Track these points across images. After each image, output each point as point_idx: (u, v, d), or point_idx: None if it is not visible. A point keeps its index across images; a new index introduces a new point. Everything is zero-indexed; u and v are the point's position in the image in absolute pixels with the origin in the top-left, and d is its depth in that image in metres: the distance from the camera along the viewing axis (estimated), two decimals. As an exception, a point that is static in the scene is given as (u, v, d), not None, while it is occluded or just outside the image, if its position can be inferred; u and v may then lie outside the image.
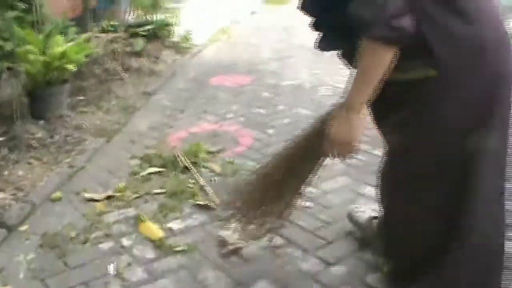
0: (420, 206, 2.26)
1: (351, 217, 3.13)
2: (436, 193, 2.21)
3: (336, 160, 2.39)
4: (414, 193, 2.27)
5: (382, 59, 1.96)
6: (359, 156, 3.97)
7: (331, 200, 3.56)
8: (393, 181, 2.42)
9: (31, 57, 5.02)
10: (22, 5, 5.13)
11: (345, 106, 2.12)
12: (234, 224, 2.96)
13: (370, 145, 4.12)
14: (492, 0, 2.12)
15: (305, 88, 6.21)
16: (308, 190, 3.16)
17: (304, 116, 5.11)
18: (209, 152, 4.35)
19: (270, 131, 4.92)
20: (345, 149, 2.21)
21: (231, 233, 3.06)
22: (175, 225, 3.29)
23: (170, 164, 4.10)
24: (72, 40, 5.56)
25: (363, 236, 3.02)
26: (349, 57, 2.18)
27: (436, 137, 2.12)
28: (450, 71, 2.00)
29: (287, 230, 3.11)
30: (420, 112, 2.11)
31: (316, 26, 2.27)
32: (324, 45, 2.29)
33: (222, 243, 3.06)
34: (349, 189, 3.74)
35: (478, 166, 2.11)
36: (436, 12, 1.96)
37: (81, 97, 5.81)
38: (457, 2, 1.99)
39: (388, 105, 2.18)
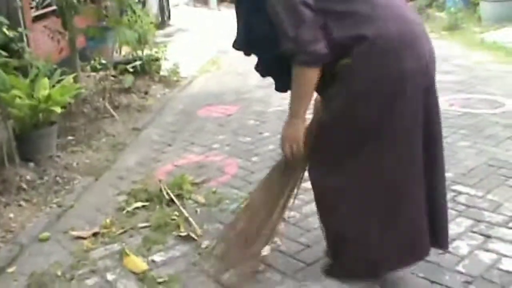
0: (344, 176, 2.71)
1: None
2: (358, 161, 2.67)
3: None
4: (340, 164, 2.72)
5: (310, 77, 2.57)
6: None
7: (311, 223, 3.64)
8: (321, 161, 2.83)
9: (18, 101, 5.13)
10: (3, 53, 5.23)
11: (291, 115, 2.72)
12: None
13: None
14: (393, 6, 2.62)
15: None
16: (291, 214, 3.29)
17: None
18: (194, 184, 4.45)
19: (254, 158, 5.03)
20: (293, 147, 2.76)
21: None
22: (158, 257, 3.39)
23: (155, 197, 4.20)
24: (58, 81, 5.68)
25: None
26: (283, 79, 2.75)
27: (352, 106, 2.60)
28: (360, 62, 2.52)
29: (268, 255, 3.19)
30: (341, 87, 2.61)
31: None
32: (262, 71, 2.99)
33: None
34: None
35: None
36: (343, 25, 2.52)
37: (71, 137, 5.90)
38: (359, 17, 2.53)
39: (322, 87, 2.67)
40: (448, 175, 4.26)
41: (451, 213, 3.72)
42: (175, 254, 3.40)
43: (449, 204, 3.78)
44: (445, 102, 6.66)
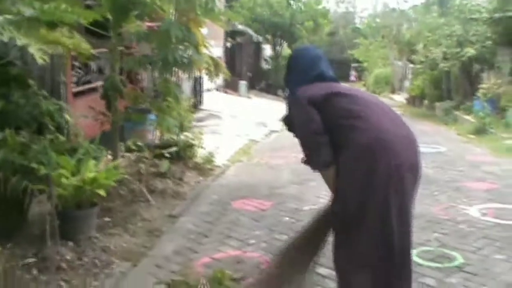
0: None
1: None
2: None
3: None
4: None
5: (326, 174, 3.41)
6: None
7: None
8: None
9: (64, 180, 5.28)
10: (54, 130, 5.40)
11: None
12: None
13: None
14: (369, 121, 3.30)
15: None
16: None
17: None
18: (233, 279, 4.48)
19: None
20: None
21: None
22: None
23: (195, 291, 4.23)
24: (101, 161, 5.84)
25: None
26: None
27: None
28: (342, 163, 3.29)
29: None
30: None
31: None
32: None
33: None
34: None
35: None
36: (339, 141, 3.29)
37: (108, 219, 6.00)
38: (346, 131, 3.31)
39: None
40: (487, 291, 4.33)
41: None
42: None
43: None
44: (477, 211, 6.72)
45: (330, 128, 3.32)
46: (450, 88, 19.83)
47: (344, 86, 3.76)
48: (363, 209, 3.21)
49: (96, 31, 7.14)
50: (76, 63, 9.10)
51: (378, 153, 3.20)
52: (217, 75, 8.47)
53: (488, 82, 16.16)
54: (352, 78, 45.17)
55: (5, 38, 4.17)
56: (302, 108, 3.40)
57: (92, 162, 5.66)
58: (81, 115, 7.52)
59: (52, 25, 4.53)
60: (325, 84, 3.58)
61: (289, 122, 3.64)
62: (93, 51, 5.16)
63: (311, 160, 3.44)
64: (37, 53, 4.12)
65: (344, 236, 3.35)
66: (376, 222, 3.22)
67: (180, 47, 6.68)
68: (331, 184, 3.41)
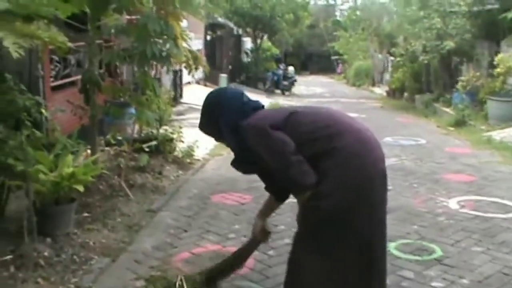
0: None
1: None
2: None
3: None
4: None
5: (307, 194, 3.18)
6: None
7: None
8: None
9: (42, 176, 5.23)
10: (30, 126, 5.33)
11: None
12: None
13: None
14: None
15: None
16: None
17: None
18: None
19: (271, 252, 5.07)
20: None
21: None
22: None
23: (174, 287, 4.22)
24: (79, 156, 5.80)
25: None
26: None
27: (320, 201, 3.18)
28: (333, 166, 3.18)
29: None
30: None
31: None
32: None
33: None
34: None
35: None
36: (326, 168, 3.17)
37: (87, 214, 5.95)
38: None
39: None
40: (464, 281, 4.39)
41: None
42: None
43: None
44: (456, 203, 6.77)
45: (301, 146, 3.21)
46: (430, 81, 19.92)
47: (303, 107, 3.75)
48: (356, 206, 3.17)
49: (74, 25, 7.07)
50: (55, 57, 9.03)
51: (363, 153, 3.22)
52: (196, 68, 8.43)
53: (467, 75, 16.25)
54: (338, 70, 45.15)
55: (-21, 32, 4.11)
56: (268, 136, 3.24)
57: (70, 157, 5.62)
58: (59, 110, 7.46)
59: (28, 18, 4.46)
60: (267, 111, 3.58)
61: (244, 162, 3.60)
62: (71, 45, 5.09)
63: (296, 185, 3.22)
64: (12, 47, 4.06)
65: (325, 235, 3.20)
66: (368, 219, 3.22)
67: (159, 40, 6.62)
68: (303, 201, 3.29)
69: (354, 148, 3.20)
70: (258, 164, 3.46)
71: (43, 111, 5.49)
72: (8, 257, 4.64)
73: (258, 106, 3.60)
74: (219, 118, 3.52)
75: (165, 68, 7.88)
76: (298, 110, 3.44)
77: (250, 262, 4.82)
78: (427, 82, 20.24)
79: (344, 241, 3.18)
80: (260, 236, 4.06)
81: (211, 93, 3.81)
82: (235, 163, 3.65)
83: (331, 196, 3.14)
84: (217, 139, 3.75)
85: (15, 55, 4.07)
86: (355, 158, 3.18)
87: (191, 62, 8.03)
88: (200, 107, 3.75)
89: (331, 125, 3.29)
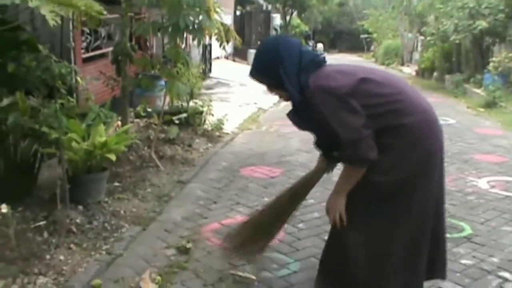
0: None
1: None
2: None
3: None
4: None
5: (360, 172, 3.17)
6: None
7: None
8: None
9: (74, 145, 5.30)
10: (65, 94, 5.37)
11: (337, 191, 3.33)
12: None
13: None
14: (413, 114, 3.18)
15: (334, 181, 6.33)
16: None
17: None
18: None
19: (300, 225, 5.09)
20: (337, 217, 3.31)
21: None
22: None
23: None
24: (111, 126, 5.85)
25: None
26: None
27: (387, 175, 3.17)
28: (398, 143, 3.15)
29: None
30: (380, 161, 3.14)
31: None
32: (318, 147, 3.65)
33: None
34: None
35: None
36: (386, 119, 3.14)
37: (118, 184, 6.03)
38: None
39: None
40: (493, 260, 4.37)
41: (497, 300, 3.78)
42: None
43: (496, 291, 3.85)
44: (486, 183, 6.71)
45: (366, 118, 3.09)
46: (461, 61, 19.66)
47: (360, 68, 3.41)
48: (414, 184, 3.16)
49: (106, -3, 7.11)
50: (86, 29, 9.08)
51: (429, 134, 3.19)
52: (228, 41, 8.42)
53: (499, 56, 15.99)
54: (372, 48, 44.45)
55: (16, 0, 4.15)
56: (342, 106, 3.07)
57: (102, 127, 5.68)
58: (94, 79, 7.52)
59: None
60: (334, 70, 3.29)
61: (302, 118, 3.35)
62: (103, 17, 5.12)
63: (360, 159, 3.10)
64: (49, 15, 4.09)
65: (377, 208, 3.20)
66: (427, 200, 3.24)
67: (191, 12, 6.61)
68: (355, 181, 3.20)
69: (421, 129, 3.15)
70: (316, 124, 3.25)
71: (79, 79, 5.55)
72: (42, 223, 4.72)
73: (318, 61, 3.34)
74: (278, 66, 3.23)
75: (194, 42, 7.88)
76: (369, 77, 3.23)
77: (280, 234, 4.86)
78: (458, 63, 19.97)
79: (396, 217, 3.20)
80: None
81: (269, 38, 3.65)
82: (292, 116, 3.40)
83: (392, 172, 3.12)
84: (270, 89, 3.45)
85: (51, 23, 4.10)
86: (421, 139, 3.14)
87: (222, 34, 8.02)
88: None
89: (401, 100, 3.20)
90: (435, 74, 21.97)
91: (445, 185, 3.41)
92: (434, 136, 3.23)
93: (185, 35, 7.36)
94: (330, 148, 3.45)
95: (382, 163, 3.10)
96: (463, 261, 4.44)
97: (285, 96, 3.36)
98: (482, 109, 13.82)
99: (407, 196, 3.18)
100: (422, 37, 26.29)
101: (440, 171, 3.32)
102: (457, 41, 18.37)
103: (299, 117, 3.37)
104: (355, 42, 47.40)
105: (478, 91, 16.04)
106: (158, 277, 3.95)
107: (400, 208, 3.20)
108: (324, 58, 3.44)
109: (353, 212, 3.27)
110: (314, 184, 3.96)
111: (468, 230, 5.12)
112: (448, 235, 4.89)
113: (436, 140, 3.24)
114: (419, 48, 28.56)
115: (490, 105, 13.93)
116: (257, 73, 3.37)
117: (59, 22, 4.28)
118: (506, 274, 4.20)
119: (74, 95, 7.24)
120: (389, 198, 3.17)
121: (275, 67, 3.23)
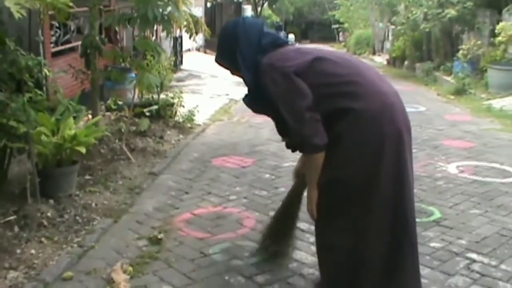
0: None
1: None
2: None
3: None
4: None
5: (317, 158, 3.04)
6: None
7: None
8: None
9: (44, 138, 5.27)
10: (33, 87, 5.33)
11: (308, 183, 3.24)
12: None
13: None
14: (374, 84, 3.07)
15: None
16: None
17: (305, 198, 5.28)
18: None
19: (272, 213, 5.11)
20: (312, 209, 3.21)
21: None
22: None
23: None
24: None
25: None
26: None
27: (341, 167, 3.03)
28: (348, 129, 2.97)
29: None
30: (331, 152, 3.02)
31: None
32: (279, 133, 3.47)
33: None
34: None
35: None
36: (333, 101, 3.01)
37: (89, 177, 6.01)
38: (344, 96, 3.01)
39: None
40: (462, 242, 4.44)
41: (465, 280, 3.85)
42: None
43: (464, 272, 3.95)
44: (455, 168, 6.80)
45: (317, 99, 2.97)
46: (431, 49, 19.83)
47: (321, 50, 3.35)
48: (378, 173, 2.96)
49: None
50: (55, 23, 9.02)
51: (386, 117, 2.97)
52: (197, 32, 8.42)
53: (468, 44, 16.16)
54: (341, 38, 44.64)
55: (-20, -7, 4.11)
56: (289, 82, 3.00)
57: (72, 120, 5.65)
58: (61, 71, 7.47)
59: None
60: (292, 49, 3.27)
61: (256, 100, 3.31)
62: (72, 10, 5.09)
63: (305, 143, 3.00)
64: (14, 7, 4.06)
65: (348, 204, 3.05)
66: (393, 185, 3.00)
67: (160, 3, 6.58)
68: (317, 169, 3.06)
69: (375, 113, 2.96)
70: (271, 106, 3.16)
71: (46, 71, 5.51)
72: (12, 217, 4.68)
73: (280, 43, 3.30)
74: (236, 49, 3.23)
75: (164, 34, 7.87)
76: (324, 56, 3.13)
77: (250, 222, 4.90)
78: (428, 51, 20.14)
79: (367, 210, 3.01)
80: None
81: (229, 22, 3.56)
82: (247, 100, 3.40)
83: (347, 165, 2.99)
84: (233, 72, 3.42)
85: (17, 15, 4.08)
86: (374, 124, 2.95)
87: (191, 26, 8.01)
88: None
89: (356, 82, 3.04)
90: (406, 62, 22.13)
91: (413, 170, 3.24)
92: (392, 120, 3.00)
93: (155, 27, 7.35)
94: (287, 133, 3.25)
95: (336, 156, 3.00)
96: (432, 244, 4.50)
97: (244, 80, 3.35)
98: (452, 96, 13.97)
99: (369, 188, 2.99)
100: (392, 27, 26.40)
101: (403, 155, 3.05)
102: (427, 30, 18.53)
103: (253, 101, 3.36)
104: (327, 32, 47.50)
105: (448, 78, 16.21)
106: (130, 268, 3.95)
107: (365, 202, 3.02)
108: (287, 40, 3.43)
109: (326, 214, 3.15)
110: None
111: (437, 214, 5.18)
112: (417, 220, 4.99)
113: (393, 124, 3.00)
114: (390, 37, 28.67)
115: (459, 92, 14.08)
116: (218, 56, 3.42)
117: (25, 15, 4.25)
118: (473, 255, 4.27)
119: (44, 88, 7.18)
120: (352, 192, 3.03)
121: (233, 49, 3.25)
